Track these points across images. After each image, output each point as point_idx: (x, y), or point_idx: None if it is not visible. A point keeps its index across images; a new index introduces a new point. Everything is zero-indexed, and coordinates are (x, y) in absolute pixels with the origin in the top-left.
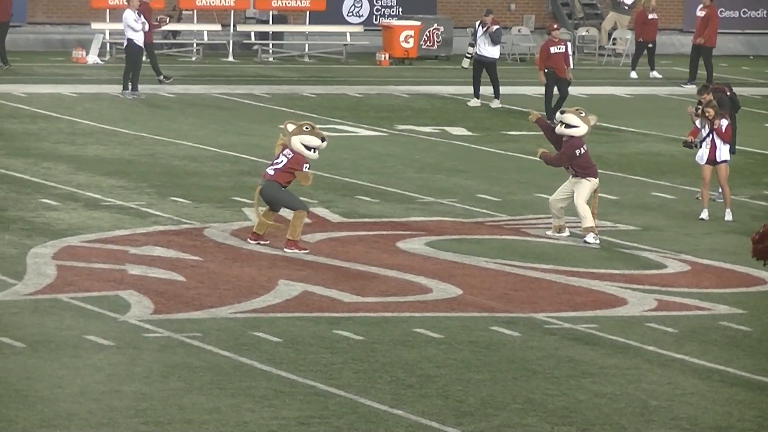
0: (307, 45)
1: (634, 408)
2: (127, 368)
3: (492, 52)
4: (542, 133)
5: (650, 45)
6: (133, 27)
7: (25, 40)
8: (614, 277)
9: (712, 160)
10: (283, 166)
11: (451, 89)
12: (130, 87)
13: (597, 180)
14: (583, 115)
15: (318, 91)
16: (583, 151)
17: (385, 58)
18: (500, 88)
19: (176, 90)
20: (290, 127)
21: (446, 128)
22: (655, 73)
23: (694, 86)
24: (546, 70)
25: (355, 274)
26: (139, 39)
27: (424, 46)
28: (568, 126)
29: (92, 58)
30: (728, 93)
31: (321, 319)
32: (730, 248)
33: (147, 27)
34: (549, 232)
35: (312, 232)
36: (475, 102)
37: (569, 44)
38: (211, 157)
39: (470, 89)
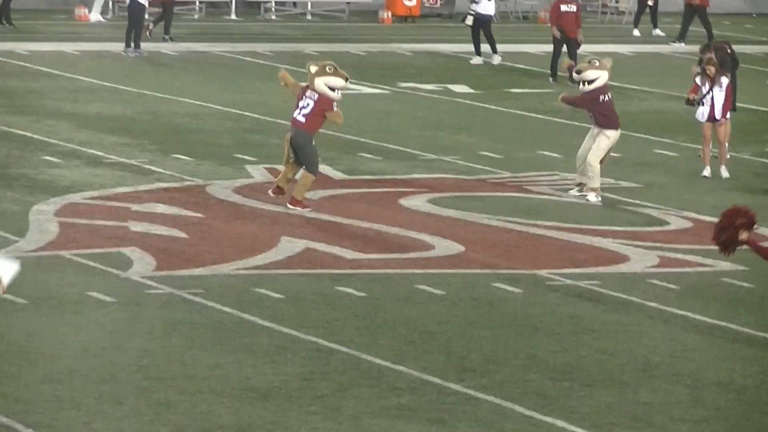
0: (310, 3)
1: (636, 364)
2: (130, 325)
3: (486, 8)
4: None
5: (651, 3)
6: None
7: None
8: (616, 234)
9: (712, 118)
10: (312, 109)
11: (454, 47)
12: (132, 45)
13: (618, 133)
14: (597, 63)
15: (321, 49)
16: (607, 98)
17: (387, 16)
18: (502, 45)
19: (179, 48)
20: (313, 69)
21: (449, 86)
22: (657, 31)
23: (682, 45)
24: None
25: (357, 232)
26: None
27: (426, 4)
28: (590, 82)
29: (95, 16)
30: (729, 51)
31: (323, 276)
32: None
33: None
34: (573, 191)
35: (314, 190)
36: (477, 60)
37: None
38: (214, 115)
39: (472, 47)
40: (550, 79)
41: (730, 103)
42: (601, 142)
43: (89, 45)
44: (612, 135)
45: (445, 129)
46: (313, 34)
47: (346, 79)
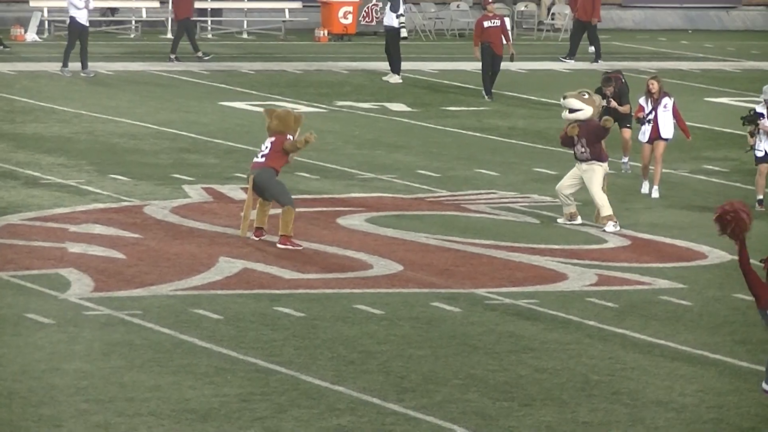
0: (246, 21)
1: (576, 383)
2: (68, 346)
3: (390, 20)
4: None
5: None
6: (76, 5)
7: None
8: (554, 252)
9: (653, 138)
10: (270, 150)
11: None
12: (69, 65)
13: (607, 164)
14: (587, 96)
15: (257, 68)
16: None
17: (324, 34)
18: (438, 63)
19: (115, 67)
20: (275, 122)
21: (386, 104)
22: (593, 48)
23: (572, 61)
24: (482, 45)
25: (295, 251)
26: (81, 17)
27: (363, 22)
28: (572, 111)
29: (31, 35)
30: (623, 80)
31: (262, 296)
32: (670, 223)
33: (90, 5)
34: (560, 220)
35: (252, 209)
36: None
37: (507, 19)
38: (151, 135)
39: (408, 65)
40: (486, 96)
41: (681, 123)
42: (596, 173)
43: (25, 65)
44: (604, 165)
45: (382, 147)
46: (250, 52)
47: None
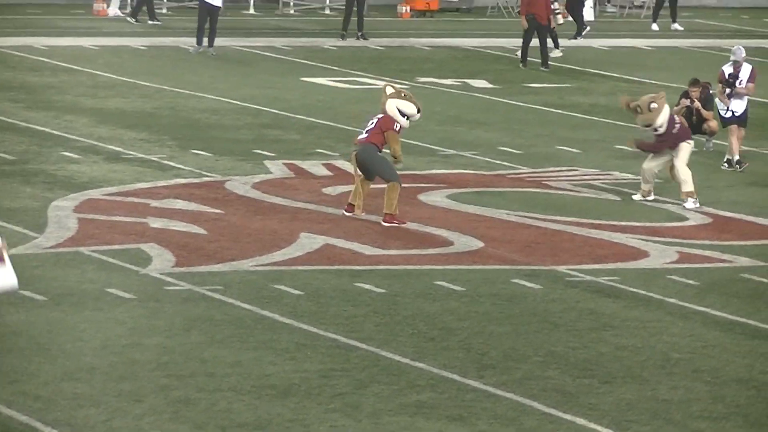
0: None
1: (656, 360)
2: (149, 321)
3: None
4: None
5: None
6: None
7: None
8: (636, 230)
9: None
10: (374, 127)
11: (473, 42)
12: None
13: (693, 143)
14: (656, 105)
15: (339, 44)
16: (677, 127)
17: (406, 10)
18: (517, 41)
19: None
20: (389, 90)
21: (468, 81)
22: (676, 26)
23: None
24: (527, 16)
25: (376, 227)
26: None
27: None
28: (656, 129)
29: (113, 10)
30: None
31: (342, 272)
32: (752, 200)
33: None
34: (636, 197)
35: (334, 185)
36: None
37: None
38: (233, 110)
39: (491, 41)
40: (521, 65)
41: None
42: (683, 150)
43: (108, 40)
44: (690, 143)
45: (463, 124)
46: (332, 28)
47: (419, 110)
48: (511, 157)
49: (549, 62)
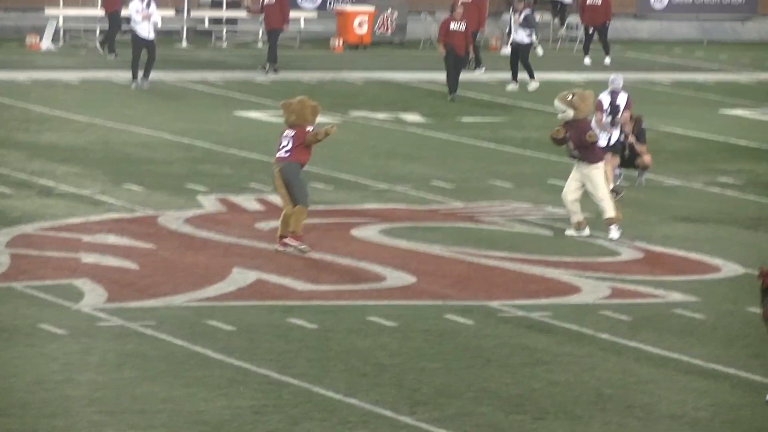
0: (261, 30)
1: (589, 396)
2: (81, 357)
3: (521, 37)
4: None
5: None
6: (134, 18)
7: None
8: (568, 265)
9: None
10: (293, 144)
11: (406, 76)
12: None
13: (602, 164)
14: (570, 98)
15: (272, 77)
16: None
17: (339, 44)
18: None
19: (129, 77)
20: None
21: (401, 115)
22: (608, 59)
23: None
24: (445, 44)
25: (308, 262)
26: (141, 30)
27: (378, 32)
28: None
29: (46, 44)
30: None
31: (275, 308)
32: (684, 235)
33: (154, 18)
34: (569, 232)
35: (266, 220)
36: (512, 86)
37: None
38: (165, 144)
39: (424, 75)
40: (448, 96)
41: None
42: (596, 176)
43: (41, 73)
44: (600, 166)
45: (397, 158)
46: (265, 62)
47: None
48: (444, 192)
49: (456, 92)
